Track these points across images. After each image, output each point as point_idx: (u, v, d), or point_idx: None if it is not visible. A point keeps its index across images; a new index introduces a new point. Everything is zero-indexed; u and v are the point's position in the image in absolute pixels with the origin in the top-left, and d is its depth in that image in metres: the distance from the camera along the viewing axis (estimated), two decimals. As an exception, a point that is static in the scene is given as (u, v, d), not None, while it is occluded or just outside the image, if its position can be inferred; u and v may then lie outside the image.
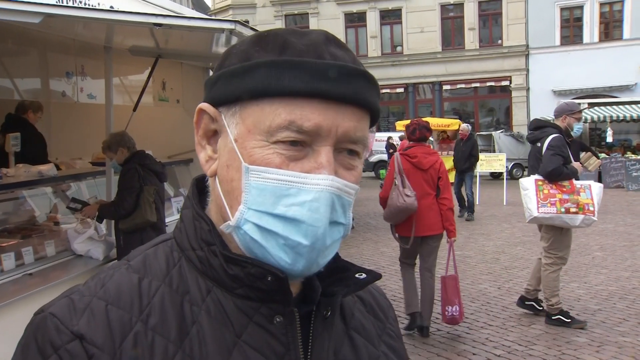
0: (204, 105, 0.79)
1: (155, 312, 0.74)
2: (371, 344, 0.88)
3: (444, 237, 5.46)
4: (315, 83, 0.71)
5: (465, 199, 12.58)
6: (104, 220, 5.41)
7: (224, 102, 0.77)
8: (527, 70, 25.86)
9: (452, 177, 15.41)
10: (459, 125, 14.37)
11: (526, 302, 5.98)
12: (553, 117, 5.88)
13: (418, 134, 5.52)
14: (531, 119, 26.67)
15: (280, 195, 0.72)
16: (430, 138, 17.70)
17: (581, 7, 25.11)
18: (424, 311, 5.42)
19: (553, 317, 5.60)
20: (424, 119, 5.98)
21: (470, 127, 13.26)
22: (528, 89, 25.92)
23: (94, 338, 0.71)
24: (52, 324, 0.72)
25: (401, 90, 27.89)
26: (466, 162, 12.43)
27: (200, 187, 0.85)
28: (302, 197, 0.72)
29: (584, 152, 6.07)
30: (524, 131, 23.81)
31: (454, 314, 5.26)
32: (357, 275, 0.82)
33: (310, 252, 0.72)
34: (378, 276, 0.84)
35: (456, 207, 11.55)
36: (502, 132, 22.07)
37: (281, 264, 0.73)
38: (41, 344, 0.71)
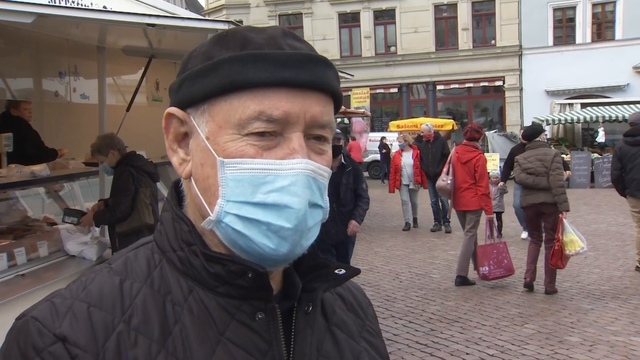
0: (172, 110, 0.80)
1: (137, 313, 0.75)
2: (352, 340, 0.89)
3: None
4: (280, 72, 0.73)
5: (441, 207, 11.09)
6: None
7: (191, 103, 0.78)
8: (520, 71, 25.95)
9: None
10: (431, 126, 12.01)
11: None
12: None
13: (468, 135, 7.30)
14: (525, 118, 26.67)
15: (258, 184, 0.73)
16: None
17: (574, 8, 25.22)
18: (458, 262, 7.29)
19: None
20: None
21: (431, 126, 11.50)
22: (521, 89, 26.01)
23: (77, 339, 0.71)
24: (34, 327, 0.72)
25: (395, 90, 27.93)
26: (438, 165, 10.50)
27: (179, 190, 0.86)
28: (279, 183, 0.73)
29: None
30: (517, 131, 23.89)
31: (484, 272, 6.92)
32: (336, 271, 0.84)
33: (293, 235, 0.74)
34: (357, 271, 0.86)
35: (431, 220, 11.07)
36: (495, 132, 22.08)
37: (265, 251, 0.74)
38: (23, 348, 0.71)
